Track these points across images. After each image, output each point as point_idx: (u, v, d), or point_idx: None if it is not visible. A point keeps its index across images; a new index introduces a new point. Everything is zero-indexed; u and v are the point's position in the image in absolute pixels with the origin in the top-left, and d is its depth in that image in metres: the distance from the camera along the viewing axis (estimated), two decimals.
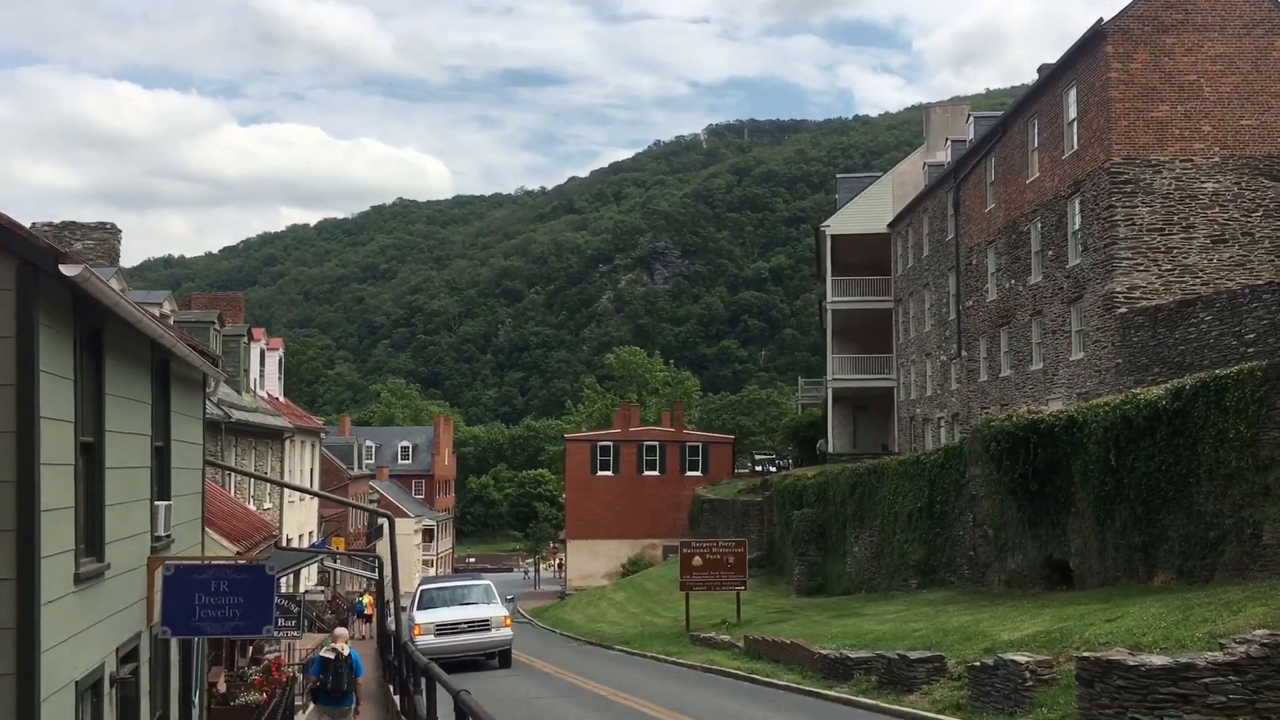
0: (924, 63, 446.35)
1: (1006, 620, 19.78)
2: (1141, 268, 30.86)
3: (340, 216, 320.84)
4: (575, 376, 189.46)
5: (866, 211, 56.17)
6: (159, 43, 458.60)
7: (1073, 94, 33.75)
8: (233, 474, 29.23)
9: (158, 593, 11.10)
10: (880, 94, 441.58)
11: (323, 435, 46.87)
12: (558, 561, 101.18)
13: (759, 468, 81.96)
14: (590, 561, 68.78)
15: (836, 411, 58.70)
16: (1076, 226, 33.60)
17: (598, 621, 43.76)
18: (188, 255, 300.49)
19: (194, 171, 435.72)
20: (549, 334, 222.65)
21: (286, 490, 36.95)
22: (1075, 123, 33.53)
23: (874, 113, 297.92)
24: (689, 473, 69.28)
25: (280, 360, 41.73)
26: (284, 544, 28.71)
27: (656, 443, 70.17)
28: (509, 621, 27.39)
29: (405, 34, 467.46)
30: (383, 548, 28.12)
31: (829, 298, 56.38)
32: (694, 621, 34.40)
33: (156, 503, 11.72)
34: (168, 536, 12.15)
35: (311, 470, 43.47)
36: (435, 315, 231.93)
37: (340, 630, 19.57)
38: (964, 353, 44.32)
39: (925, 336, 49.98)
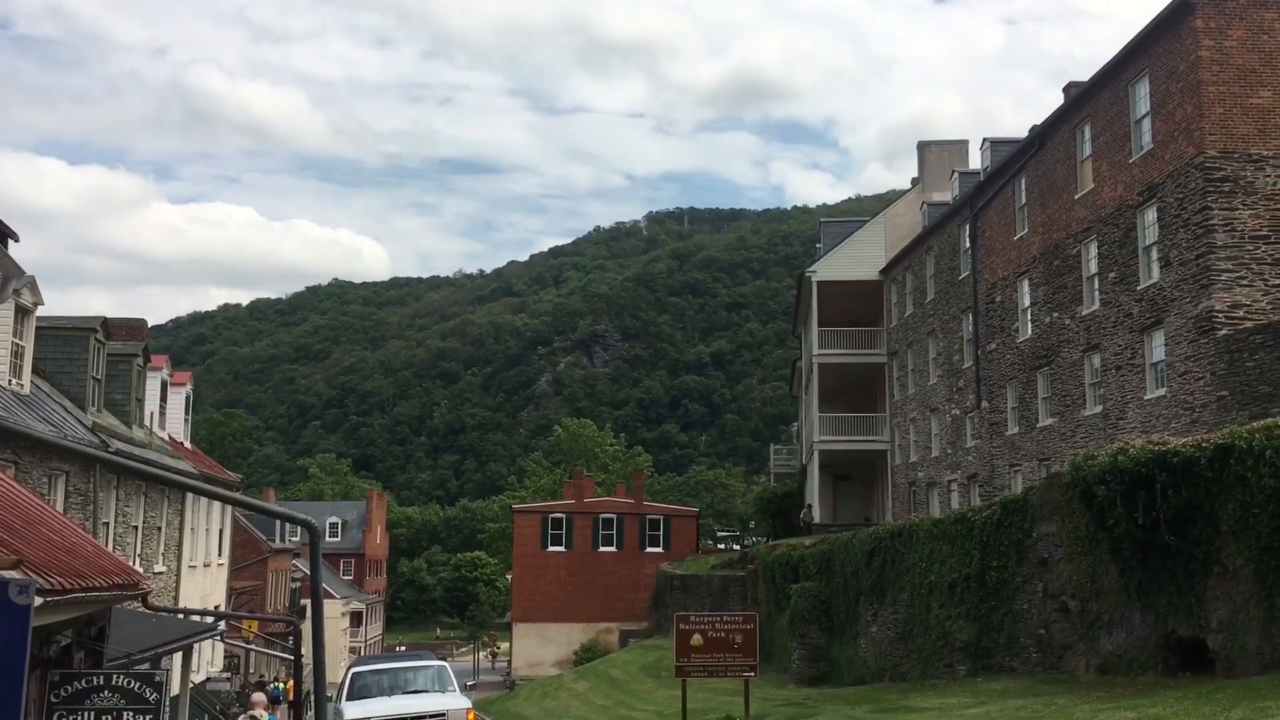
0: (853, 160, 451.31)
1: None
2: (1245, 281, 25.43)
3: (273, 297, 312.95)
4: (512, 460, 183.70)
5: (855, 258, 50.87)
6: (84, 119, 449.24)
7: (1144, 85, 28.58)
8: (108, 521, 22.45)
9: None
10: (811, 189, 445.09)
11: (239, 494, 39.72)
12: (492, 649, 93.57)
13: (721, 544, 75.71)
14: (539, 648, 61.61)
15: (817, 480, 52.74)
16: (1152, 239, 28.20)
17: (561, 716, 36.87)
18: None
19: (120, 249, 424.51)
20: (486, 416, 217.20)
21: (186, 552, 30.02)
22: (1149, 118, 28.32)
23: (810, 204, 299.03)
24: (649, 549, 62.64)
25: (187, 399, 34.97)
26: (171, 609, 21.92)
27: (614, 515, 63.53)
28: (472, 716, 20.63)
29: (340, 117, 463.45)
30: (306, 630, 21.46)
31: (815, 350, 50.72)
32: (685, 716, 27.77)
33: None
34: None
35: (222, 532, 36.47)
36: (369, 396, 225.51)
37: (258, 696, 18.69)
38: (985, 404, 38.67)
39: (930, 390, 44.32)
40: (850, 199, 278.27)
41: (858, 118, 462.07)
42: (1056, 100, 31.68)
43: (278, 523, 64.06)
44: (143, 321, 33.74)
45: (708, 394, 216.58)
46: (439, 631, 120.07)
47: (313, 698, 9.02)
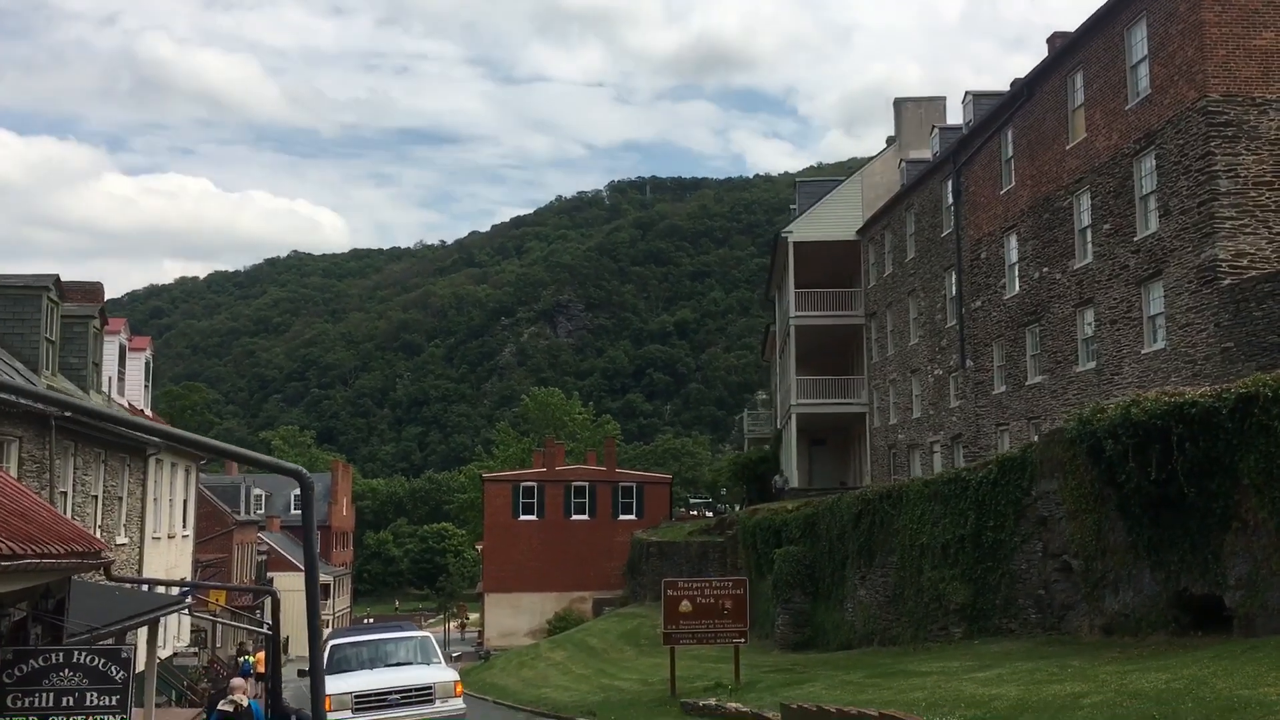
0: (812, 128, 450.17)
1: (1264, 680, 12.77)
2: (1248, 229, 24.63)
3: (231, 269, 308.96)
4: (477, 431, 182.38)
5: (831, 218, 49.89)
6: (32, 88, 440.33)
7: (1140, 29, 27.66)
8: (66, 490, 21.17)
9: None
10: (772, 158, 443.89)
11: (202, 463, 38.48)
12: (461, 620, 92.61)
13: (694, 511, 74.97)
14: (511, 618, 60.67)
15: (794, 444, 51.90)
16: (1150, 188, 27.36)
17: (540, 686, 35.92)
18: None
19: (72, 221, 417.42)
20: (449, 387, 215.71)
21: (149, 523, 28.72)
22: (1147, 61, 27.40)
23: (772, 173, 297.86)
24: (622, 516, 61.72)
25: (146, 364, 33.54)
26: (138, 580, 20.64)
27: (586, 483, 62.50)
28: (460, 689, 19.56)
29: (295, 86, 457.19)
30: (281, 584, 20.38)
31: (792, 312, 49.75)
32: (674, 684, 26.94)
33: None
34: None
35: (186, 503, 35.14)
36: (330, 369, 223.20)
37: (237, 681, 18.95)
38: (969, 363, 37.88)
39: (911, 351, 43.51)
40: (811, 167, 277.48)
41: (817, 85, 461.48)
42: (1016, 67, 30.85)
43: (243, 495, 62.78)
44: (99, 284, 32.19)
45: (672, 363, 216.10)
46: (398, 604, 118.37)
47: (310, 667, 7.93)
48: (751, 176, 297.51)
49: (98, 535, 23.94)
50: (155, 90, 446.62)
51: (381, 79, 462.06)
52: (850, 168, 59.44)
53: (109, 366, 29.06)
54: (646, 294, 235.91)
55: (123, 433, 25.54)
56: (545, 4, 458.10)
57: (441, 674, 19.67)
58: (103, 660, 9.82)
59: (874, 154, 53.17)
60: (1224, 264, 24.47)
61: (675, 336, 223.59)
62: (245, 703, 17.07)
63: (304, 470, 6.96)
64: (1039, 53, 35.39)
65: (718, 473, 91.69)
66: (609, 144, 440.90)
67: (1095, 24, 29.50)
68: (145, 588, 22.37)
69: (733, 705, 22.50)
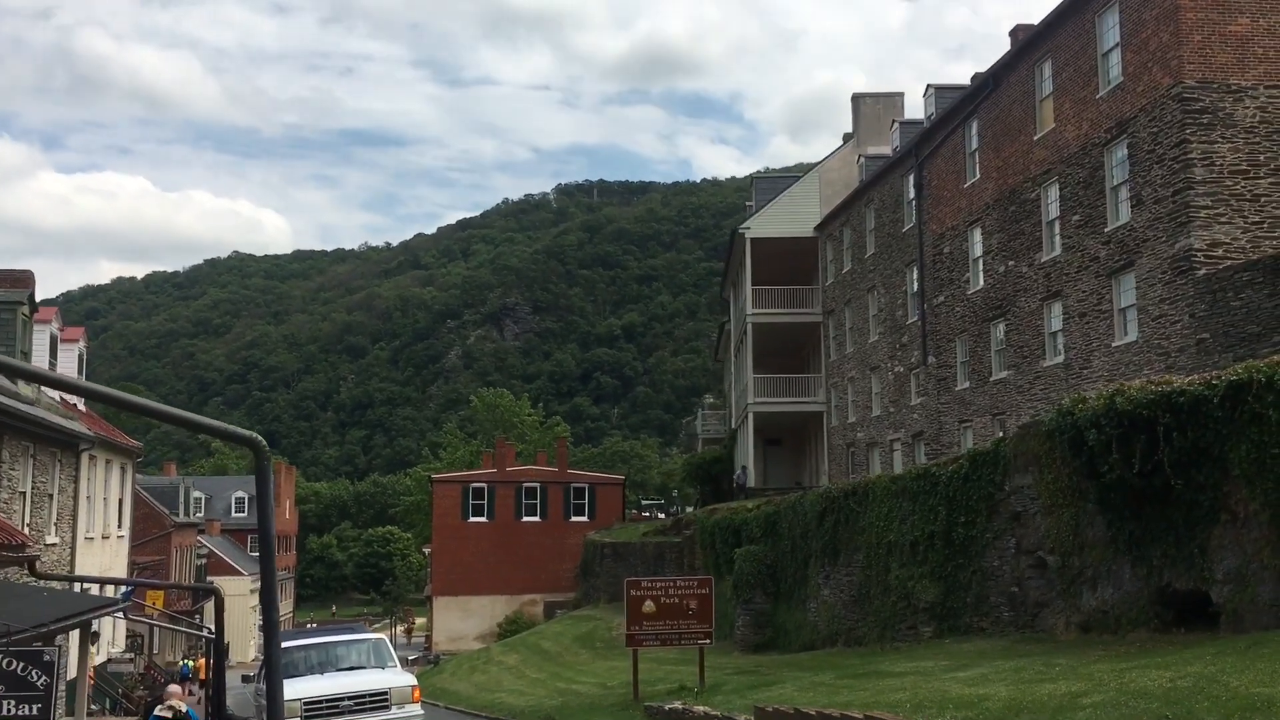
0: (759, 134, 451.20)
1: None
2: (1224, 219, 24.13)
3: (170, 270, 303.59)
4: (422, 434, 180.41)
5: (789, 214, 49.22)
6: None
7: (1112, 15, 27.15)
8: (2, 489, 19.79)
9: None
10: (718, 164, 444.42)
11: (139, 461, 36.89)
12: (408, 625, 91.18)
13: (646, 513, 74.20)
14: (460, 621, 59.31)
15: (750, 443, 51.15)
16: (1121, 178, 26.83)
17: (494, 691, 34.78)
18: None
19: (5, 220, 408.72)
20: (394, 391, 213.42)
21: (80, 523, 27.25)
22: (1118, 50, 26.88)
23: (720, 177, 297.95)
24: (575, 518, 60.56)
25: (81, 357, 32.00)
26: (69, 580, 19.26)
27: (537, 484, 61.26)
28: (418, 695, 18.42)
29: (236, 85, 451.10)
30: (221, 589, 19.17)
31: (749, 310, 48.99)
32: (637, 687, 25.97)
33: None
34: None
35: (121, 502, 33.60)
36: (272, 371, 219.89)
37: (173, 688, 18.94)
38: (931, 359, 37.27)
39: (870, 348, 42.87)
40: (758, 172, 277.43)
41: (763, 91, 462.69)
42: (959, 74, 30.32)
43: (182, 497, 60.91)
44: (29, 272, 30.66)
45: (619, 367, 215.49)
46: (334, 609, 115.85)
47: (265, 668, 6.89)
48: (699, 181, 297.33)
49: (25, 534, 22.54)
50: (92, 87, 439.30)
51: (325, 79, 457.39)
52: (797, 173, 59.00)
53: (39, 357, 27.57)
54: (594, 297, 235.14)
55: (54, 425, 24.14)
56: (492, 6, 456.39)
57: (397, 678, 18.55)
58: (21, 664, 8.67)
59: (820, 159, 52.60)
60: (1199, 254, 23.94)
61: (623, 340, 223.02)
62: (183, 709, 16.31)
63: (258, 436, 5.93)
64: (981, 61, 35.21)
65: (669, 474, 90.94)
66: (556, 148, 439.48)
67: (1065, 11, 28.97)
68: (77, 588, 21.02)
69: (700, 709, 21.52)
